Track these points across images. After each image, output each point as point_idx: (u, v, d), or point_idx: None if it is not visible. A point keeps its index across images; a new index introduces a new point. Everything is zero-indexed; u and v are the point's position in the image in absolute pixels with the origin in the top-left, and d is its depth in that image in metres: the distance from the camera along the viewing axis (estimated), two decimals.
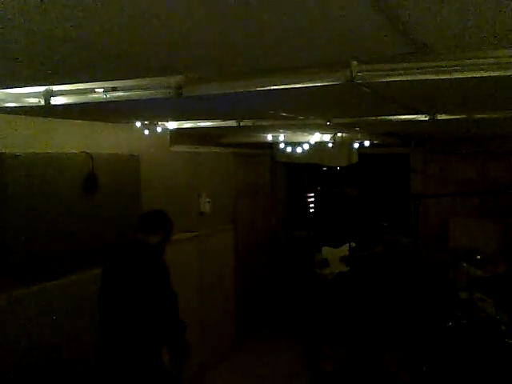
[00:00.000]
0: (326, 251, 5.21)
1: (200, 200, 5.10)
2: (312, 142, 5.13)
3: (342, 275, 5.08)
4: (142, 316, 2.97)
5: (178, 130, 4.26)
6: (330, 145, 5.26)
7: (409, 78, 1.60)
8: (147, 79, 1.92)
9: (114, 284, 3.10)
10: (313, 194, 7.01)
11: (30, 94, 2.24)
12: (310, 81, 1.72)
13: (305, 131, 4.85)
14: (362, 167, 6.39)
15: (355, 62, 1.59)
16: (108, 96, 2.06)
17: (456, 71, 1.53)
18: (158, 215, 3.30)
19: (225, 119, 3.62)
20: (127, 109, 2.91)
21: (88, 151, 3.59)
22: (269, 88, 1.81)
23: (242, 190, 6.14)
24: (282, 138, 5.04)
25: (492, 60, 1.47)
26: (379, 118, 3.41)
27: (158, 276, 3.02)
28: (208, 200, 5.15)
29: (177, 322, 3.07)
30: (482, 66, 1.50)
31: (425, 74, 1.57)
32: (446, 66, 1.53)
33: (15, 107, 2.37)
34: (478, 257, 4.50)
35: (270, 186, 6.98)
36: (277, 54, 1.48)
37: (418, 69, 1.56)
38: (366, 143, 5.30)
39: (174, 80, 1.87)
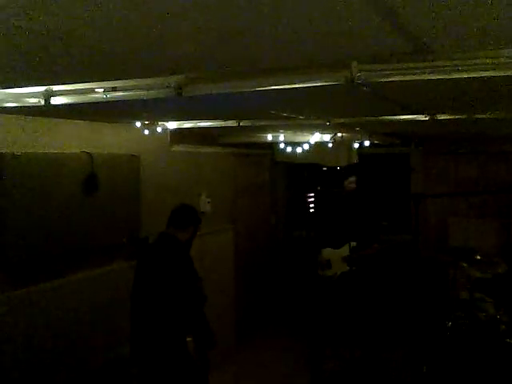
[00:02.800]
0: (328, 252, 5.20)
1: (200, 200, 5.09)
2: (312, 141, 5.13)
3: (342, 275, 5.08)
4: (168, 306, 3.14)
5: (178, 130, 4.26)
6: (330, 145, 5.27)
7: (409, 78, 1.59)
8: (147, 79, 1.92)
9: (144, 277, 3.26)
10: (313, 194, 7.02)
11: (30, 94, 2.23)
12: (310, 81, 1.72)
13: (305, 131, 4.85)
14: (362, 167, 6.38)
15: (355, 62, 1.59)
16: (108, 96, 2.05)
17: (456, 71, 1.53)
18: (189, 212, 3.42)
19: (225, 119, 3.61)
20: (127, 109, 2.91)
21: (88, 151, 3.59)
22: (269, 88, 1.81)
23: (241, 190, 6.14)
24: (281, 137, 5.04)
25: (492, 60, 1.47)
26: (379, 118, 3.41)
27: (185, 270, 3.20)
28: (208, 200, 5.15)
29: (200, 313, 3.24)
30: (482, 66, 1.49)
31: (425, 74, 1.56)
32: (446, 66, 1.52)
33: (15, 107, 2.37)
34: (478, 257, 4.49)
35: (270, 186, 6.98)
36: (277, 53, 1.48)
37: (417, 69, 1.55)
38: (366, 143, 5.30)
39: (174, 80, 1.87)
